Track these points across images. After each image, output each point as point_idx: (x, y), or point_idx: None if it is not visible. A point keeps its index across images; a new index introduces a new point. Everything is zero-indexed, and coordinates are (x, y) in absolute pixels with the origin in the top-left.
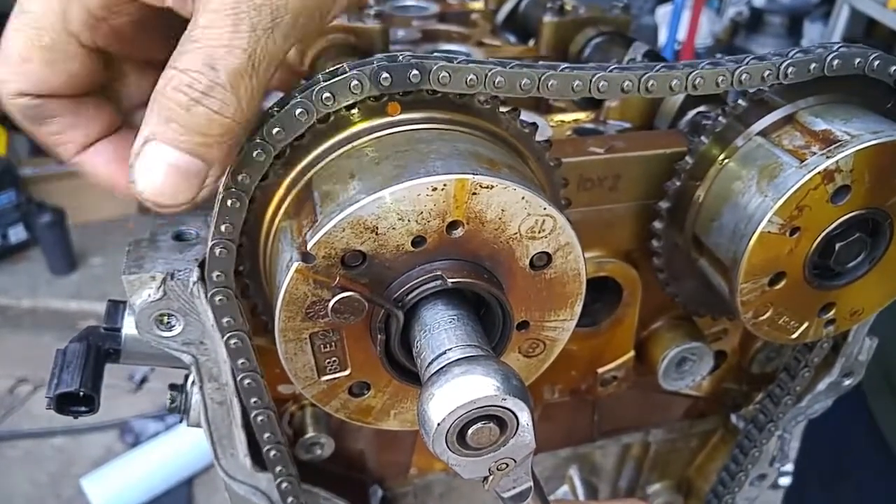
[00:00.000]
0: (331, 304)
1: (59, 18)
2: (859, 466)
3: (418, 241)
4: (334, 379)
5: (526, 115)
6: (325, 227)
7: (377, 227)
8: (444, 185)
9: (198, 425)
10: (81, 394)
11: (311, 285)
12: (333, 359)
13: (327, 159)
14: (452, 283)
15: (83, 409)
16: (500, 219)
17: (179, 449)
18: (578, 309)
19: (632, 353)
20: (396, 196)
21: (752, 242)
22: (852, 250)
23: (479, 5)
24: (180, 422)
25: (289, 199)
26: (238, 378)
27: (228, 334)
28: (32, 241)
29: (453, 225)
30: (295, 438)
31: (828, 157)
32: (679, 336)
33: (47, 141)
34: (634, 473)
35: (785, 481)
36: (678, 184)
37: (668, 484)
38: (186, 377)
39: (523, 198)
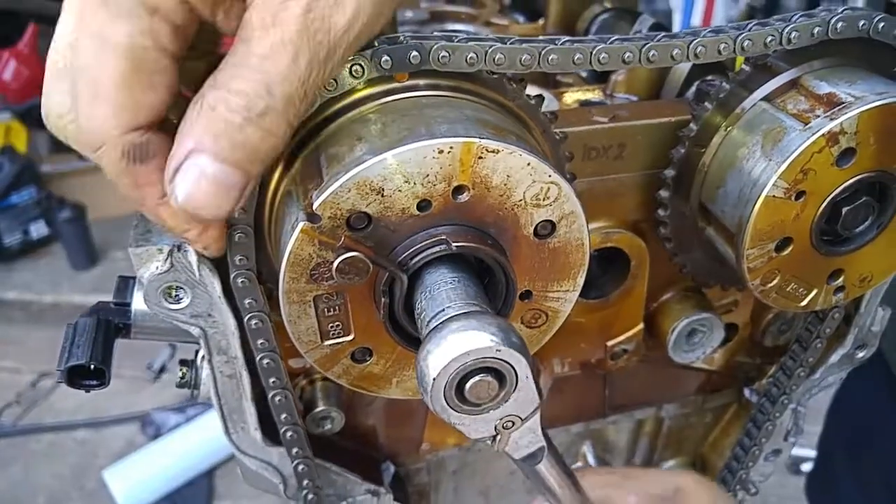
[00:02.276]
0: (335, 263)
1: (153, 39)
2: (885, 438)
3: (424, 204)
4: (337, 344)
5: (533, 90)
6: (331, 186)
7: (383, 189)
8: (451, 147)
9: (208, 400)
10: (92, 367)
11: (316, 246)
12: (337, 323)
13: (334, 124)
14: (457, 247)
15: (94, 382)
16: (505, 184)
17: (200, 440)
18: (581, 280)
19: (641, 326)
20: (403, 158)
21: (757, 207)
22: (859, 215)
23: None
24: (192, 396)
25: (295, 164)
26: (258, 358)
27: (250, 314)
28: (53, 236)
29: (459, 189)
30: (305, 412)
31: (832, 119)
32: (688, 307)
33: (144, 181)
34: (648, 450)
35: (806, 467)
36: (683, 151)
37: (682, 461)
38: (197, 353)
39: (529, 164)
